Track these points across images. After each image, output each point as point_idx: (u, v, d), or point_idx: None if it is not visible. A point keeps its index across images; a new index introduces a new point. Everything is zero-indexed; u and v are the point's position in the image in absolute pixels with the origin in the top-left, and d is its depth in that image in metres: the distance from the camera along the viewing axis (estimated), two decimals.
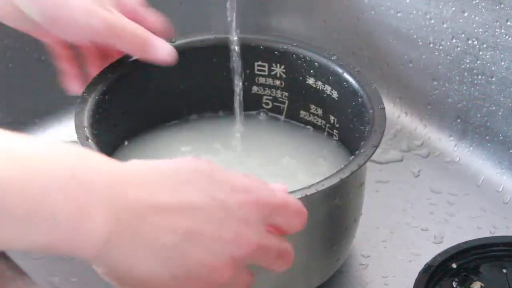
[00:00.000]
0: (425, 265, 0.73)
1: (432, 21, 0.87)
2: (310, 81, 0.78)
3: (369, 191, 0.85)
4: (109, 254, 0.49)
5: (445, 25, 0.86)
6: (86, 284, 0.75)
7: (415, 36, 0.89)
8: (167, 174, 0.52)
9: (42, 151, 0.47)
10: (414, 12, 0.88)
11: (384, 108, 0.71)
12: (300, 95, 0.80)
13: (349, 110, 0.75)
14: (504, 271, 0.74)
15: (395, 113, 0.94)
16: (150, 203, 0.50)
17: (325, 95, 0.77)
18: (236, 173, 0.55)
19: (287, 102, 0.81)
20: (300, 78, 0.79)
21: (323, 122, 0.80)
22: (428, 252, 0.75)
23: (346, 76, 0.75)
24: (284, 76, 0.79)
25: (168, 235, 0.50)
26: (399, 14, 0.90)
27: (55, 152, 0.48)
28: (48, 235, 0.47)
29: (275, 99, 0.82)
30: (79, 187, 0.47)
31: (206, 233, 0.51)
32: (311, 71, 0.77)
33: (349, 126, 0.76)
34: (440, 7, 0.85)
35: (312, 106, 0.80)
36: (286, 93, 0.81)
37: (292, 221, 0.56)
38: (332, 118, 0.79)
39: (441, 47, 0.87)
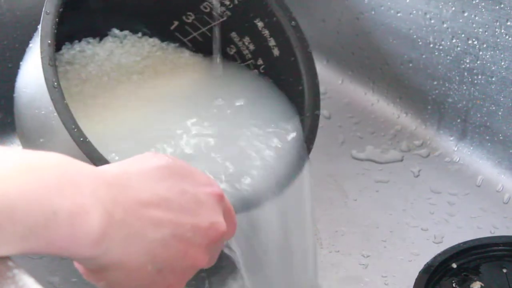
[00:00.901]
0: (425, 265, 0.73)
1: (432, 21, 0.87)
2: (259, 24, 0.77)
3: (369, 191, 0.85)
4: (104, 249, 0.50)
5: (445, 25, 0.86)
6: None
7: (415, 36, 0.89)
8: (139, 173, 0.54)
9: (33, 161, 0.49)
10: (414, 12, 0.88)
11: (319, 114, 0.73)
12: (240, 24, 0.78)
13: (283, 77, 0.75)
14: (504, 271, 0.74)
15: (395, 113, 0.94)
16: (134, 199, 0.52)
17: (265, 44, 0.76)
18: (192, 167, 0.58)
19: (225, 17, 0.78)
20: (251, 15, 0.77)
21: (249, 55, 0.79)
22: (428, 252, 0.75)
23: (296, 52, 0.74)
24: (236, 2, 0.77)
25: (154, 229, 0.52)
26: (399, 14, 0.90)
27: (43, 160, 0.50)
28: (49, 234, 0.48)
29: (214, 9, 0.79)
30: (72, 187, 0.49)
31: (185, 224, 0.54)
32: (266, 19, 0.76)
33: (277, 75, 0.76)
34: (440, 7, 0.85)
35: (247, 39, 0.79)
36: (229, 13, 0.78)
37: (230, 227, 0.59)
38: (260, 60, 0.78)
39: (441, 47, 0.87)
